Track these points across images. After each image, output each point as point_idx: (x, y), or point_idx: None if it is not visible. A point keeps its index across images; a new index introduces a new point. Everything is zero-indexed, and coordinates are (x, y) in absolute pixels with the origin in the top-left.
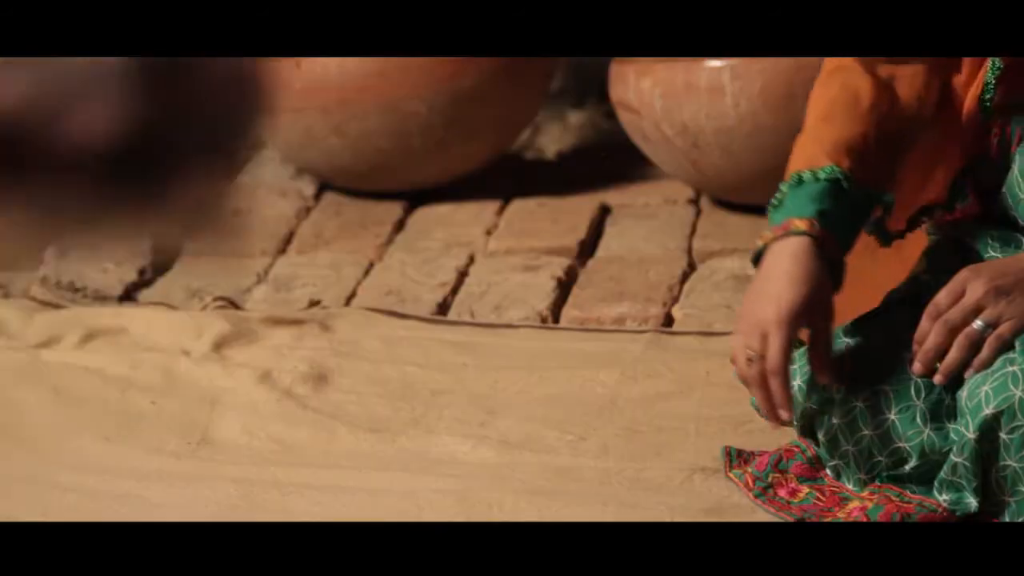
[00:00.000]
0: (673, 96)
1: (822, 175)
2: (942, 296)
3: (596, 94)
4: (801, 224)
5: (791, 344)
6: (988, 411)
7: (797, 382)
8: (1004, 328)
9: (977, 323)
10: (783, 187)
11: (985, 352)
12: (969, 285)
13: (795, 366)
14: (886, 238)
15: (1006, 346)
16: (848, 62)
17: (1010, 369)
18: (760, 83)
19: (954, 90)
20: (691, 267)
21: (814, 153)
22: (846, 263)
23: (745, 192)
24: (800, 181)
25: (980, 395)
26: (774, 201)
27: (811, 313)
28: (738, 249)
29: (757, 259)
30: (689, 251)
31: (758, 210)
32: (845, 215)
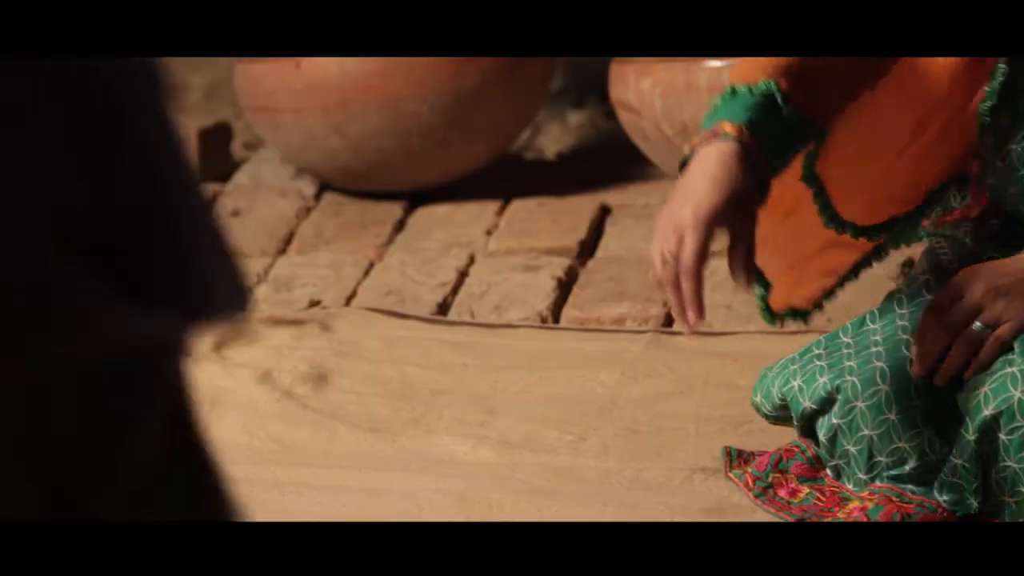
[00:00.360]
0: (673, 96)
1: (756, 89)
2: (941, 297)
3: (596, 94)
4: (730, 129)
5: (706, 246)
6: (987, 412)
7: (797, 382)
8: (1003, 329)
9: (976, 324)
10: (716, 99)
11: (984, 353)
12: (968, 286)
13: (796, 366)
14: (837, 222)
15: (1005, 347)
16: None
17: (1009, 370)
18: None
19: (942, 98)
20: None
21: (752, 71)
22: (771, 182)
23: None
24: (734, 93)
25: (979, 396)
26: (707, 113)
27: (730, 216)
28: None
29: (683, 166)
30: None
31: None
32: (777, 132)
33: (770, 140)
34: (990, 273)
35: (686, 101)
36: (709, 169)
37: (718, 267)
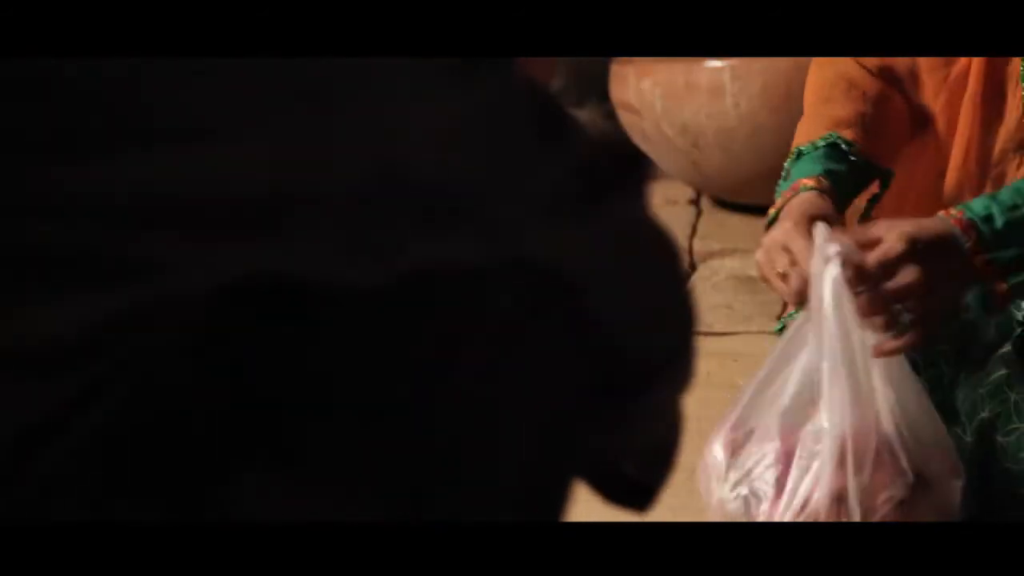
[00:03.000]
0: (673, 96)
1: (820, 142)
2: (867, 258)
3: (596, 94)
4: (808, 182)
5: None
6: (984, 414)
7: None
8: (920, 291)
9: (897, 280)
10: (786, 164)
11: (910, 317)
12: (885, 237)
13: None
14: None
15: (932, 314)
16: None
17: (1005, 371)
18: (760, 83)
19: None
20: (691, 267)
21: (815, 131)
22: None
23: (745, 192)
24: (800, 154)
25: (975, 398)
26: (780, 180)
27: (822, 215)
28: (738, 249)
29: (769, 226)
30: (690, 251)
31: (758, 210)
32: (845, 175)
33: (842, 185)
34: (907, 225)
35: (686, 101)
36: (793, 215)
37: (719, 267)
